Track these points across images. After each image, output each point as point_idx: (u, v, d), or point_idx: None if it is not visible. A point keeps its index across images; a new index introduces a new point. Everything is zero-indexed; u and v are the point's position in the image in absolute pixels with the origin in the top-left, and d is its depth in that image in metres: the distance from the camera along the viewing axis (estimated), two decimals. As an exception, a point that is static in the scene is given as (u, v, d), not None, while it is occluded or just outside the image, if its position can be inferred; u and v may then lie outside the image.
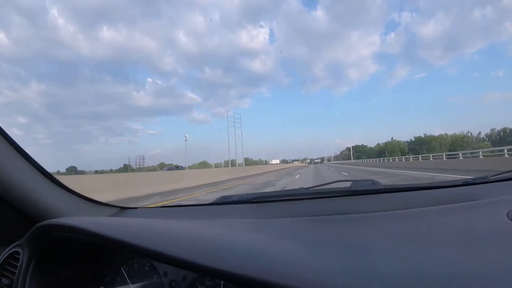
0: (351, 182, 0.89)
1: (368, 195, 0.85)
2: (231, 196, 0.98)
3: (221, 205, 0.96)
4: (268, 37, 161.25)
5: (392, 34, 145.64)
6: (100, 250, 0.69)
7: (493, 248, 0.44)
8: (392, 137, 75.42)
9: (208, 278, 0.59)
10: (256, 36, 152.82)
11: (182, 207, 1.07)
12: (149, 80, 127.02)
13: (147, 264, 0.67)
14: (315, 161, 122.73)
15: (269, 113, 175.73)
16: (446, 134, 69.13)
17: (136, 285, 0.66)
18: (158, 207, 1.07)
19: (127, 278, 0.68)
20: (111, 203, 0.97)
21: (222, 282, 0.57)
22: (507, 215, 0.54)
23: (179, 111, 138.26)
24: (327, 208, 0.79)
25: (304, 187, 0.95)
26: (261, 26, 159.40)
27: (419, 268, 0.39)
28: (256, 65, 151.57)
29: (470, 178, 0.89)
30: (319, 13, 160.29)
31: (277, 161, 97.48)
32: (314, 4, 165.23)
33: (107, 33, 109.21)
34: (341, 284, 0.35)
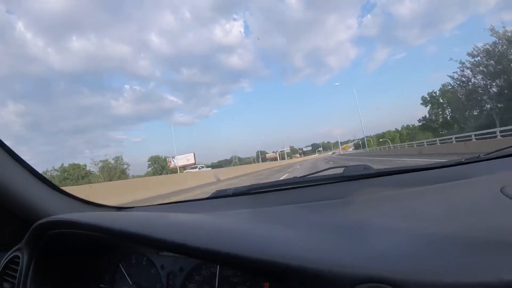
0: (343, 168, 0.90)
1: (361, 180, 0.85)
2: (226, 189, 1.00)
3: (217, 199, 0.98)
4: (243, 30, 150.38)
5: (369, 16, 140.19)
6: (97, 248, 0.70)
7: (488, 222, 0.45)
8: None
9: (203, 267, 0.60)
10: (231, 30, 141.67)
11: (179, 203, 1.07)
12: (127, 86, 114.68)
13: (144, 258, 0.68)
14: (303, 149, 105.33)
15: (253, 107, 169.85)
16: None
17: (134, 280, 0.67)
18: (154, 205, 1.07)
19: (125, 274, 0.69)
20: (107, 205, 0.97)
21: (218, 271, 0.59)
22: (501, 191, 0.54)
23: (161, 116, 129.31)
24: (321, 195, 0.80)
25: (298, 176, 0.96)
26: (235, 19, 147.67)
27: (413, 243, 0.39)
28: (234, 60, 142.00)
29: (462, 158, 0.90)
30: (293, 0, 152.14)
31: (185, 160, 45.46)
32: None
33: (77, 43, 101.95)
34: (336, 259, 0.35)
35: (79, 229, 0.54)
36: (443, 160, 0.95)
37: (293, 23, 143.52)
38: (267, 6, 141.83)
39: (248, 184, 0.97)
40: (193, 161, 46.46)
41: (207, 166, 48.04)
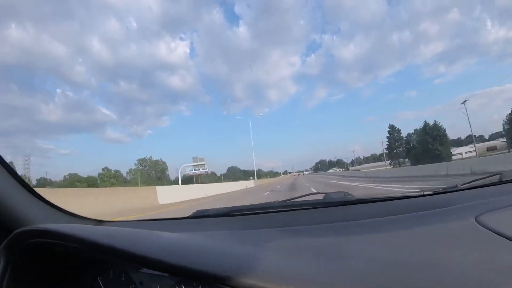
0: (324, 195, 0.92)
1: (341, 207, 0.86)
2: (207, 210, 1.00)
3: (198, 219, 0.98)
4: (188, 50, 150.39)
5: (313, 56, 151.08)
6: (76, 261, 0.69)
7: (462, 249, 0.47)
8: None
9: (183, 287, 0.60)
10: (176, 49, 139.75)
11: (159, 221, 1.07)
12: (59, 91, 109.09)
13: (123, 274, 0.67)
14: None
15: (190, 132, 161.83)
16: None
17: None
18: (135, 220, 1.07)
19: None
20: (88, 217, 0.97)
21: None
22: (475, 219, 0.58)
23: (92, 129, 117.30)
24: (301, 220, 0.81)
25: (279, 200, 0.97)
26: (181, 39, 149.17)
27: (388, 268, 0.41)
28: (175, 81, 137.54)
29: (440, 187, 0.92)
30: (241, 29, 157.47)
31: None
32: (236, 19, 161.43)
33: (14, 32, 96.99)
34: (310, 278, 0.37)
35: (61, 240, 0.54)
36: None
37: (239, 53, 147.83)
38: (215, 31, 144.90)
39: (230, 206, 0.98)
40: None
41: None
